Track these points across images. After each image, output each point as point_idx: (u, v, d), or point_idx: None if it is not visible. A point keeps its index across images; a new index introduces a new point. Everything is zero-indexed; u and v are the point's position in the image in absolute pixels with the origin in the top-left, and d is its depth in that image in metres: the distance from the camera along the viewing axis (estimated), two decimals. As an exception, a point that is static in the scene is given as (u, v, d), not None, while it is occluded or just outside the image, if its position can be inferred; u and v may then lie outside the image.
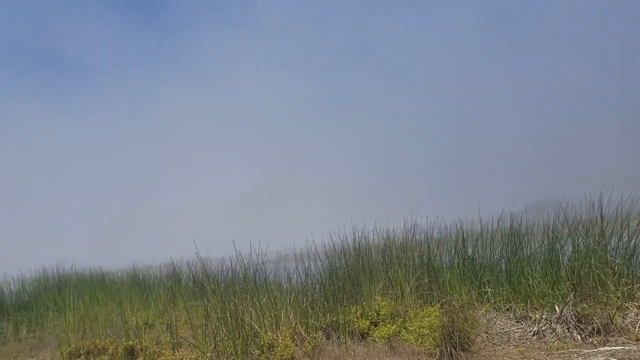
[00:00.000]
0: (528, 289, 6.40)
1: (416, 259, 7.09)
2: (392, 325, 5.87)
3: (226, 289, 8.72)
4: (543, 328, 5.71)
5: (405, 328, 5.82)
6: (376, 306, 6.20)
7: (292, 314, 7.28)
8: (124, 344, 8.24)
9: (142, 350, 8.13)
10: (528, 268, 6.63)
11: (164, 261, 14.83)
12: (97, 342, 8.73)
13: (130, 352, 8.16)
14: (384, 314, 6.09)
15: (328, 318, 6.33)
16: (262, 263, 8.68)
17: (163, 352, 7.94)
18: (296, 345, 6.45)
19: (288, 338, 6.49)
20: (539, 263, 6.79)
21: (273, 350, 6.58)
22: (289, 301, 7.33)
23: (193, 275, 12.39)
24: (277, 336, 6.77)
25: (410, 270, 6.64)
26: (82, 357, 8.56)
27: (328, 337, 6.28)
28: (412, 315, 5.97)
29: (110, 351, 8.19)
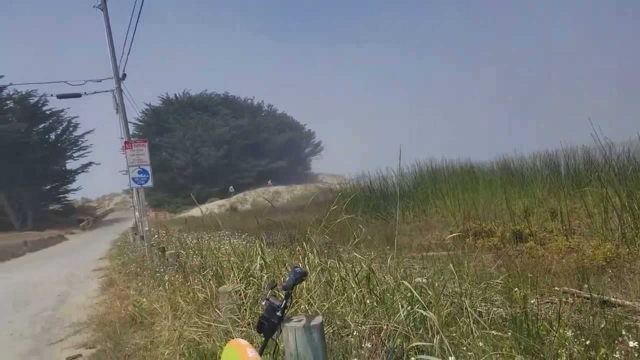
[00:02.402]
0: None
1: None
2: None
3: (632, 174, 8.04)
4: None
5: None
6: None
7: None
8: (512, 227, 8.91)
9: (530, 235, 8.61)
10: None
11: (536, 151, 14.88)
12: (484, 225, 9.74)
13: (518, 235, 8.76)
14: None
15: None
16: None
17: (555, 237, 8.18)
18: None
19: None
20: None
21: None
22: None
23: (575, 163, 12.03)
24: None
25: None
26: (471, 238, 9.76)
27: None
28: None
29: (498, 234, 9.03)
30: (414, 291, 3.14)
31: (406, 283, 3.43)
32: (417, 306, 3.45)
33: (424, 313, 2.96)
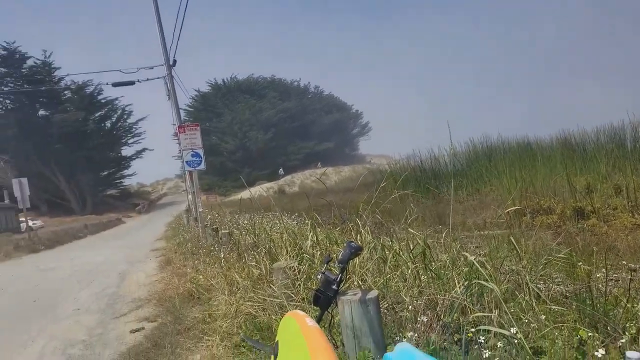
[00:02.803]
0: None
1: None
2: None
3: None
4: None
5: None
6: None
7: None
8: (572, 204, 8.59)
9: (593, 212, 8.28)
10: None
11: (600, 125, 14.19)
12: (542, 202, 9.44)
13: (580, 213, 8.44)
14: None
15: None
16: None
17: (619, 214, 7.84)
18: None
19: None
20: None
21: None
22: None
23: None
24: None
25: None
26: (528, 216, 9.50)
27: None
28: None
29: (558, 211, 8.74)
30: (475, 263, 3.11)
31: (467, 254, 3.40)
32: (474, 281, 3.42)
33: (485, 284, 2.93)
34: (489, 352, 2.30)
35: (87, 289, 9.98)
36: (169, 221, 30.14)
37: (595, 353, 1.95)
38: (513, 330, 2.33)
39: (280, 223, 8.29)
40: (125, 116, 64.10)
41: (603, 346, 2.12)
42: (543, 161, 13.34)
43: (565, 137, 15.13)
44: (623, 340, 2.25)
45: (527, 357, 2.04)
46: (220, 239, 8.79)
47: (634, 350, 1.93)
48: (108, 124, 63.75)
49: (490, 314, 2.74)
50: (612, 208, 8.35)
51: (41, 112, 57.93)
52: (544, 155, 14.14)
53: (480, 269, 3.11)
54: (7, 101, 54.79)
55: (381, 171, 23.65)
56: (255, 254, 6.14)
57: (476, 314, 2.85)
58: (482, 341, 2.47)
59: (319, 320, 3.00)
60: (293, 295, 4.68)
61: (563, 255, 3.69)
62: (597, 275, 3.24)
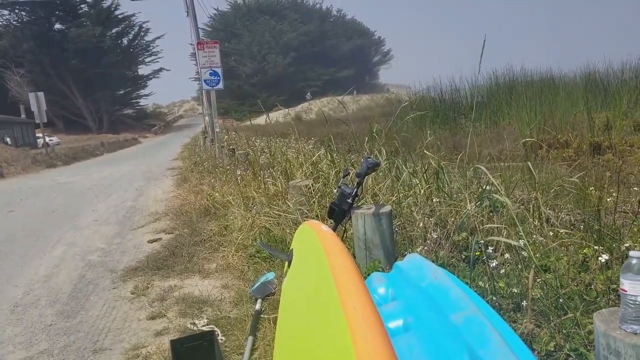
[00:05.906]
0: None
1: None
2: None
3: None
4: None
5: None
6: None
7: None
8: (590, 139, 8.51)
9: (609, 147, 8.20)
10: None
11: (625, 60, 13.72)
12: (559, 136, 9.34)
13: (596, 148, 8.37)
14: None
15: None
16: None
17: (636, 151, 7.78)
18: None
19: None
20: None
21: None
22: None
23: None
24: None
25: None
26: (544, 149, 9.43)
27: None
28: None
29: (574, 145, 8.67)
30: (489, 174, 3.16)
31: (481, 166, 3.46)
32: (488, 194, 3.49)
33: (498, 197, 3.00)
34: (496, 262, 2.40)
35: (105, 202, 10.28)
36: (185, 142, 30.43)
37: (600, 258, 2.02)
38: (522, 242, 2.40)
39: (297, 145, 8.35)
40: (142, 33, 63.12)
41: (607, 253, 2.17)
42: (565, 96, 13.06)
43: (589, 71, 14.70)
44: (627, 245, 2.31)
45: (534, 266, 2.13)
46: (237, 158, 8.92)
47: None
48: (125, 41, 62.92)
49: (500, 226, 2.82)
50: (629, 145, 8.25)
51: (57, 26, 57.12)
52: (566, 90, 13.82)
53: (494, 181, 3.16)
54: (23, 13, 53.89)
55: (400, 101, 23.27)
56: (273, 171, 6.26)
57: (487, 225, 2.93)
58: (491, 251, 2.57)
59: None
60: (307, 212, 4.83)
61: (575, 180, 3.72)
62: (608, 200, 3.29)
